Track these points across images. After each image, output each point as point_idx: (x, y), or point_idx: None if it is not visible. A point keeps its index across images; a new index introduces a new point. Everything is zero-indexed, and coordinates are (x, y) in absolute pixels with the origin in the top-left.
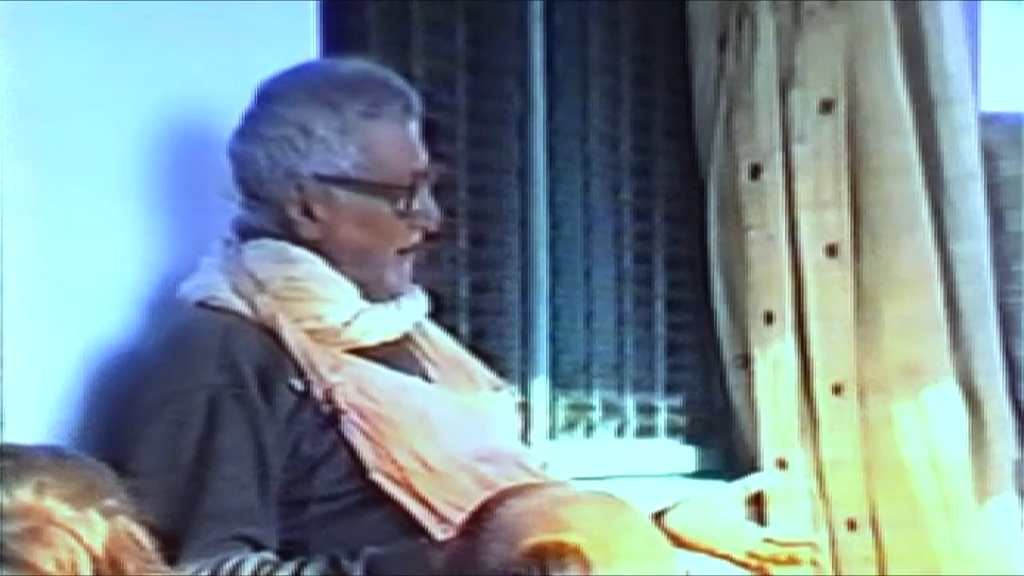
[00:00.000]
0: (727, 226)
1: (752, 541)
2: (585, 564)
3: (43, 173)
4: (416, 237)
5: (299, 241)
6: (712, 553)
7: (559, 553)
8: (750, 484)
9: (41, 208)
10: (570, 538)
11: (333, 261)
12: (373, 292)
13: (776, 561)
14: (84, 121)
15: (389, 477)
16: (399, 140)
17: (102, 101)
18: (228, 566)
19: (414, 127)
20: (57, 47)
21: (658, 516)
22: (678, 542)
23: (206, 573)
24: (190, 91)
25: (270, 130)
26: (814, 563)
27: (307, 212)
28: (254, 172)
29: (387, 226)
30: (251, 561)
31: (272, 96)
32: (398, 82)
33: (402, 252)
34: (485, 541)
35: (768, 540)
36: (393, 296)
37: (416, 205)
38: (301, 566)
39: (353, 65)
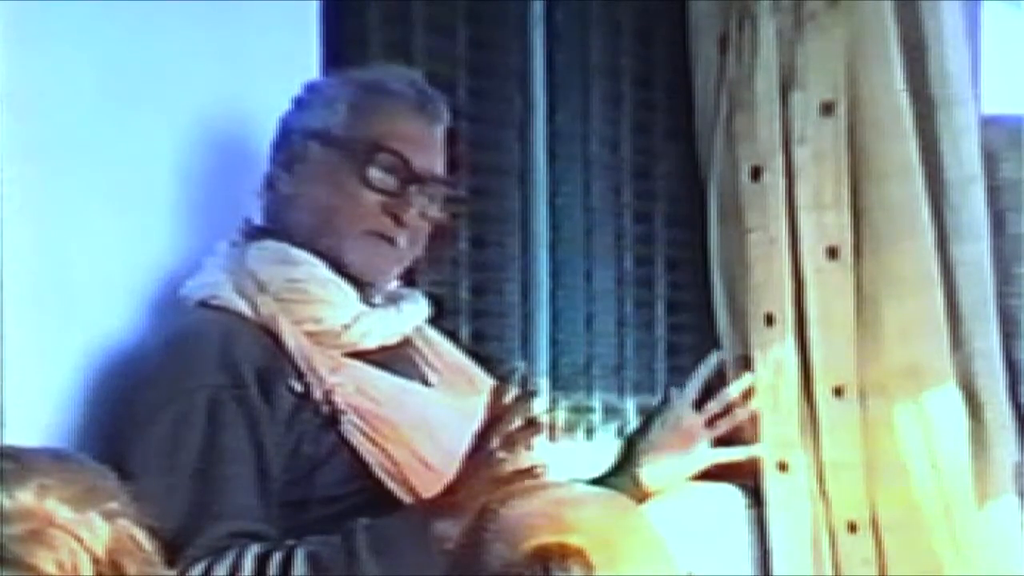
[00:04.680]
0: (728, 228)
1: (705, 440)
2: (588, 565)
3: (44, 173)
4: (389, 225)
5: (276, 199)
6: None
7: (562, 554)
8: (692, 386)
9: (42, 208)
10: (573, 539)
11: (297, 227)
12: (360, 288)
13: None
14: (84, 121)
15: (390, 477)
16: (395, 117)
17: (103, 101)
18: (229, 559)
19: (425, 128)
20: (58, 48)
21: (630, 470)
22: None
23: (202, 567)
24: (190, 92)
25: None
26: (782, 465)
27: (287, 167)
28: (274, 139)
29: (353, 193)
30: (251, 550)
31: None
32: (422, 84)
33: (373, 235)
34: (487, 542)
35: (711, 423)
36: (367, 287)
37: (385, 183)
38: (293, 548)
39: (396, 67)
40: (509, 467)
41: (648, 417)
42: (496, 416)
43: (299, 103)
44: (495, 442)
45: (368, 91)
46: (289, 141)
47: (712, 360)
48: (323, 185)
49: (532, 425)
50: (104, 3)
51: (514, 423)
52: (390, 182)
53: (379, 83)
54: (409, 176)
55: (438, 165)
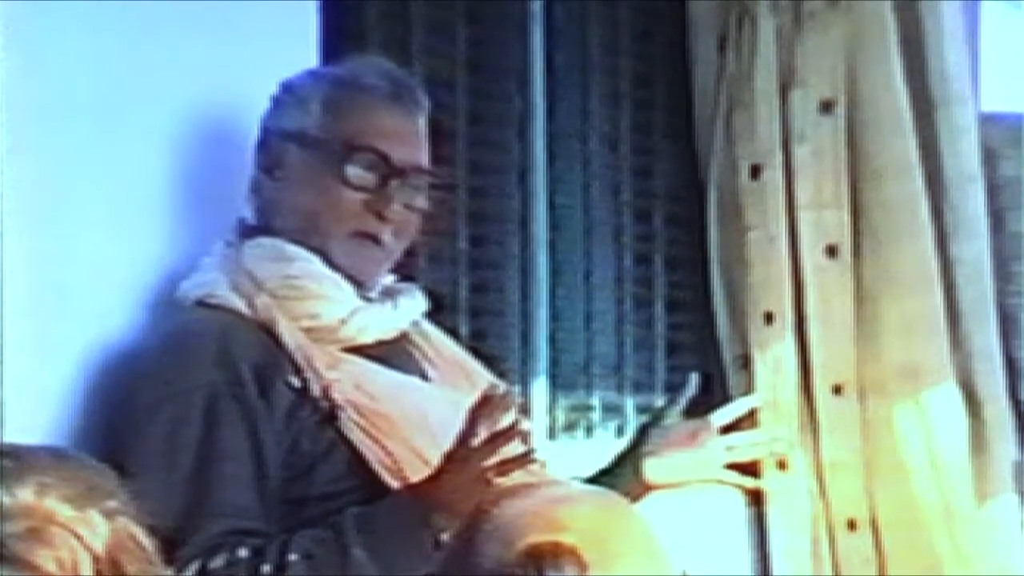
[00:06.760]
0: (727, 227)
1: (720, 459)
2: (581, 564)
3: (43, 173)
4: (373, 222)
5: (263, 203)
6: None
7: (555, 553)
8: (720, 417)
9: (40, 207)
10: (566, 538)
11: (284, 231)
12: (355, 284)
13: (744, 464)
14: (83, 121)
15: (388, 472)
16: (369, 112)
17: (101, 101)
18: (223, 557)
19: (402, 119)
20: (57, 47)
21: (633, 461)
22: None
23: (197, 565)
24: (189, 91)
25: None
26: (781, 464)
27: (269, 171)
28: (256, 141)
29: (333, 194)
30: (246, 547)
31: None
32: (399, 74)
33: (359, 236)
34: (480, 542)
35: (731, 448)
36: (360, 283)
37: (364, 181)
38: (287, 543)
39: (372, 59)
40: (493, 460)
41: (643, 428)
42: (478, 416)
43: (275, 103)
44: (476, 441)
45: (341, 88)
46: (268, 144)
47: (692, 382)
48: (304, 188)
49: (511, 430)
50: (103, 3)
51: (496, 425)
52: (370, 179)
53: (352, 79)
54: (389, 171)
55: (420, 156)
